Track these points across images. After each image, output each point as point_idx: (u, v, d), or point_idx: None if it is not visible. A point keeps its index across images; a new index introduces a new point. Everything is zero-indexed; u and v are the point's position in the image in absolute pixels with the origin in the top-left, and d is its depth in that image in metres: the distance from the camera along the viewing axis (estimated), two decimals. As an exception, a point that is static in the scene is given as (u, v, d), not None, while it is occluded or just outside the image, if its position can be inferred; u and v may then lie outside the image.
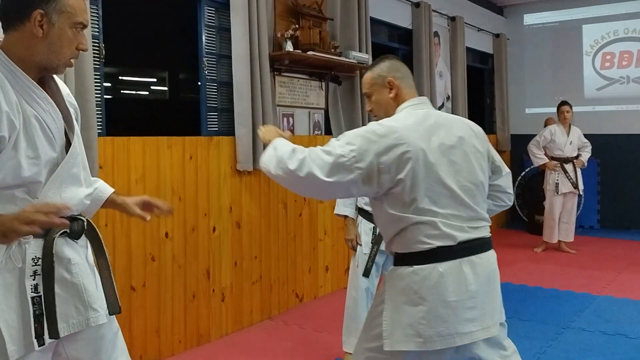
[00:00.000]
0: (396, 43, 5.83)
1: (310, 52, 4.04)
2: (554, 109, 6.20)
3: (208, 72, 3.75)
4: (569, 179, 5.93)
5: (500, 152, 7.65)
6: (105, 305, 1.59)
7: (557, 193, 5.99)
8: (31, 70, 1.47)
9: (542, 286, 4.77)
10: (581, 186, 6.00)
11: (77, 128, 1.60)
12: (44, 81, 1.54)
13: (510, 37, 7.93)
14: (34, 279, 1.45)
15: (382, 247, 2.71)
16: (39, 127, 1.45)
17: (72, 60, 1.54)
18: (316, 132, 4.52)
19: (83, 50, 1.54)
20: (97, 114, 2.93)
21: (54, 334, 1.46)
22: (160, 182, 3.23)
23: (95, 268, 1.62)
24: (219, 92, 3.81)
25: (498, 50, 7.69)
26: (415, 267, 1.71)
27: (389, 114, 1.91)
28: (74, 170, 1.55)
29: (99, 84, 3.02)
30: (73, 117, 1.60)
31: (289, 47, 3.94)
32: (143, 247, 3.14)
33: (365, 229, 3.06)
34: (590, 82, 7.52)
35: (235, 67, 3.67)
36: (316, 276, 4.43)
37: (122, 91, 5.41)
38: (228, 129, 3.79)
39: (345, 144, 1.72)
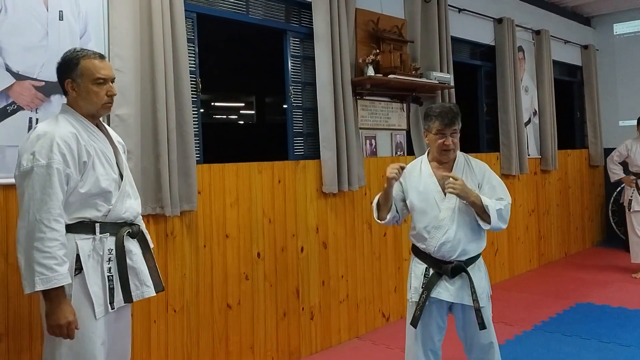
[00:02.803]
0: (479, 60, 5.78)
1: (391, 76, 4.13)
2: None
3: (294, 99, 3.93)
4: (632, 194, 5.62)
5: (593, 167, 7.34)
6: (152, 284, 2.20)
7: (629, 210, 5.67)
8: (87, 117, 2.12)
9: (643, 309, 4.51)
10: None
11: (124, 158, 2.25)
12: (100, 127, 2.19)
13: (599, 47, 7.61)
14: (108, 264, 2.08)
15: (435, 293, 2.53)
16: (102, 156, 2.11)
17: (108, 105, 2.15)
18: (399, 153, 4.57)
19: (112, 95, 2.14)
20: (196, 144, 3.16)
21: (128, 299, 2.13)
22: (252, 205, 3.42)
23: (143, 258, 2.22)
24: (304, 117, 3.98)
25: (587, 62, 7.40)
26: None
27: None
28: (127, 188, 2.18)
29: (196, 116, 3.26)
30: (121, 151, 2.25)
31: (370, 71, 4.05)
32: (238, 267, 3.33)
33: (416, 271, 2.62)
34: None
35: (319, 94, 3.82)
36: (402, 296, 4.44)
37: (214, 116, 5.76)
38: (313, 153, 3.94)
39: None
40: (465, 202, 2.47)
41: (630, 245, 5.76)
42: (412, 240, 2.67)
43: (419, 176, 2.61)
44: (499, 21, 5.72)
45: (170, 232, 3.03)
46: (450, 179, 2.44)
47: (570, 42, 7.08)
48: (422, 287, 2.55)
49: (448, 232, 2.49)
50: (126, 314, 2.24)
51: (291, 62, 3.92)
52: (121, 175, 2.18)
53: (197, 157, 3.18)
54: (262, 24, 3.76)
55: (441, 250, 2.51)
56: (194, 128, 3.15)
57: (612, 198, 7.34)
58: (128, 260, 2.12)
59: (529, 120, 6.29)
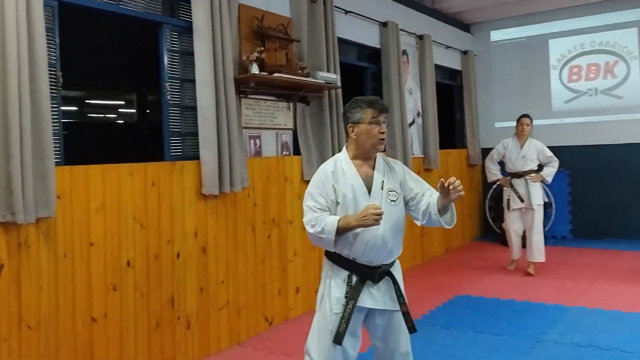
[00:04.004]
0: (365, 62, 5.88)
1: (276, 74, 4.05)
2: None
3: (171, 97, 3.73)
4: (515, 194, 5.75)
5: (471, 165, 7.76)
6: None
7: (509, 209, 5.85)
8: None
9: (515, 299, 4.81)
10: (536, 201, 5.68)
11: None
12: None
13: (477, 53, 8.07)
14: None
15: (360, 302, 2.35)
16: None
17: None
18: (284, 153, 4.51)
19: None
20: (55, 144, 2.88)
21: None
22: (121, 210, 3.19)
23: None
24: (182, 116, 3.79)
25: (466, 67, 7.81)
26: None
27: None
28: None
29: (56, 113, 2.97)
30: None
31: (254, 69, 3.95)
32: (104, 277, 3.09)
33: (337, 280, 2.40)
34: (558, 95, 7.68)
35: (199, 91, 3.65)
36: (286, 298, 4.39)
37: (89, 114, 5.36)
38: (193, 153, 3.77)
39: None
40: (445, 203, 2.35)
41: (509, 243, 6.10)
42: (334, 247, 2.39)
43: (343, 177, 2.41)
44: (384, 25, 5.85)
45: (24, 242, 2.73)
46: (456, 181, 2.29)
47: (451, 47, 7.43)
48: (345, 297, 2.35)
49: (376, 235, 2.34)
50: None
51: (168, 57, 3.71)
52: None
53: (56, 158, 2.90)
54: (135, 16, 3.52)
55: (369, 255, 2.36)
56: (54, 126, 2.87)
57: (489, 195, 7.82)
58: None
59: (413, 121, 6.51)
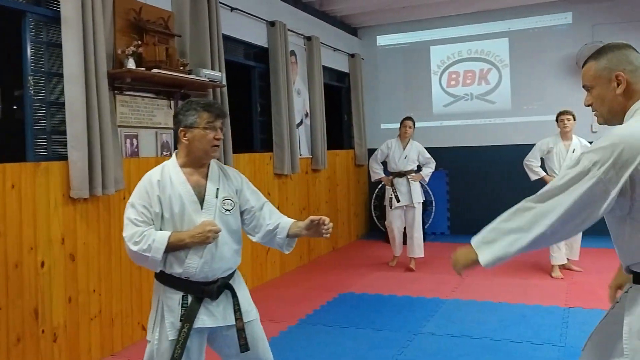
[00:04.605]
0: (252, 61, 5.81)
1: (155, 70, 3.88)
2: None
3: (35, 92, 3.43)
4: (393, 192, 6.01)
5: (358, 166, 7.96)
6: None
7: (391, 208, 6.10)
8: None
9: (396, 294, 4.99)
10: (417, 199, 5.98)
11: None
12: None
13: (364, 57, 8.31)
14: None
15: (199, 323, 2.17)
16: None
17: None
18: (165, 153, 4.33)
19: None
20: None
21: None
22: (-28, 215, 2.88)
23: None
24: (48, 113, 3.50)
25: (353, 70, 8.01)
26: None
27: (613, 111, 1.65)
28: None
29: None
30: None
31: (131, 64, 3.75)
32: (-49, 291, 2.77)
33: (169, 304, 2.18)
34: (438, 99, 8.11)
35: (67, 86, 3.40)
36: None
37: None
38: (61, 154, 3.50)
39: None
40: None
41: (390, 240, 6.32)
42: (160, 268, 2.18)
43: (170, 187, 2.20)
44: (271, 24, 5.82)
45: None
46: (330, 224, 2.21)
47: (338, 49, 7.58)
48: (180, 321, 2.14)
49: (211, 249, 2.17)
50: None
51: (32, 49, 3.42)
52: None
53: None
54: (-9, 2, 3.20)
55: (204, 271, 2.17)
56: None
57: (375, 194, 8.08)
58: None
59: (301, 122, 6.55)
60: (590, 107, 1.71)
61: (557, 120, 5.52)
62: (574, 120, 5.44)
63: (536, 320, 4.17)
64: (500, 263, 1.62)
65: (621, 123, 1.62)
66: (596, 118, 1.71)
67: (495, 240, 1.62)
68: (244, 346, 2.23)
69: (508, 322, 4.13)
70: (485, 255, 1.62)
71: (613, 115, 1.65)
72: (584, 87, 1.70)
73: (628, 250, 1.58)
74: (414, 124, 6.13)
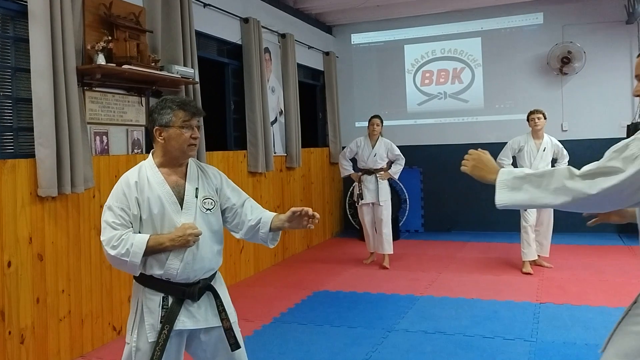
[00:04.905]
0: (226, 58, 5.76)
1: (125, 66, 3.81)
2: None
3: (1, 88, 3.34)
4: (360, 189, 6.06)
5: (333, 164, 7.97)
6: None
7: (358, 204, 6.15)
8: None
9: (371, 291, 5.01)
10: (383, 197, 6.00)
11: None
12: None
13: (339, 55, 8.31)
14: None
15: (179, 325, 2.14)
16: None
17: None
18: (136, 151, 4.26)
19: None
20: None
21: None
22: None
23: None
24: (15, 109, 3.41)
25: (328, 67, 8.01)
26: None
27: None
28: None
29: None
30: None
31: (100, 60, 3.67)
32: None
33: (149, 305, 2.13)
34: (412, 97, 8.16)
35: (34, 82, 3.31)
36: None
37: None
38: (27, 151, 3.41)
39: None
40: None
41: (365, 236, 6.34)
42: (140, 271, 2.13)
43: (148, 188, 2.14)
44: (245, 21, 5.78)
45: None
46: (316, 214, 2.16)
47: (313, 47, 7.57)
48: (160, 322, 2.09)
49: (192, 250, 2.12)
50: None
51: (-3, 43, 3.33)
52: None
53: None
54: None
55: (185, 272, 2.13)
56: None
57: (349, 192, 8.10)
58: None
59: (276, 119, 6.52)
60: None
61: (528, 119, 5.61)
62: (545, 119, 5.54)
63: (508, 315, 4.23)
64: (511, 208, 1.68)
65: None
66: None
67: (519, 189, 1.65)
68: (235, 345, 2.20)
69: (480, 318, 4.18)
70: (502, 196, 1.68)
71: None
72: (636, 77, 1.71)
73: None
74: (382, 122, 6.17)
